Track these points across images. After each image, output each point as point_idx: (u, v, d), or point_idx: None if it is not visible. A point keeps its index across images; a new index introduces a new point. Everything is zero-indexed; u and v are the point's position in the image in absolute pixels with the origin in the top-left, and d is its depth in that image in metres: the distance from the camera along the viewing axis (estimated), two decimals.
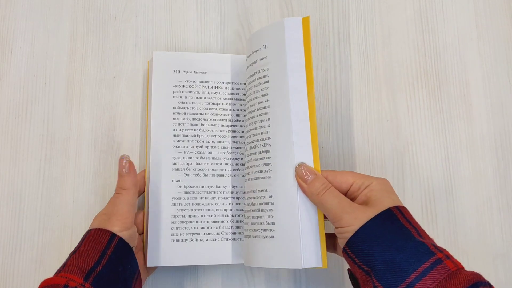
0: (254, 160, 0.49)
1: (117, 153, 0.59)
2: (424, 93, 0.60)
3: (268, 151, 0.48)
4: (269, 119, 0.48)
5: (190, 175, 0.54)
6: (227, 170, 0.54)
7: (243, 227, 0.54)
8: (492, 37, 0.62)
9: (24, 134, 0.59)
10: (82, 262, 0.44)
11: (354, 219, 0.41)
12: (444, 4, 0.63)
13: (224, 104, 0.56)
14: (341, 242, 0.42)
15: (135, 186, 0.50)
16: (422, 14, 0.62)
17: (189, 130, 0.55)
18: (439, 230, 0.57)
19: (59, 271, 0.44)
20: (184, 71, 0.57)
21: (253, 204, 0.49)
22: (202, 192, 0.54)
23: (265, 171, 0.48)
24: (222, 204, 0.54)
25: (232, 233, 0.53)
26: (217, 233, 0.53)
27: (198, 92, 0.56)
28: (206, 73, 0.57)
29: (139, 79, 0.61)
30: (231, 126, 0.56)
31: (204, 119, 0.55)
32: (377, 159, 0.59)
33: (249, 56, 0.53)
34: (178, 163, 0.54)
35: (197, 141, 0.55)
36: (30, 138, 0.59)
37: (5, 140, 0.59)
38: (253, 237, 0.48)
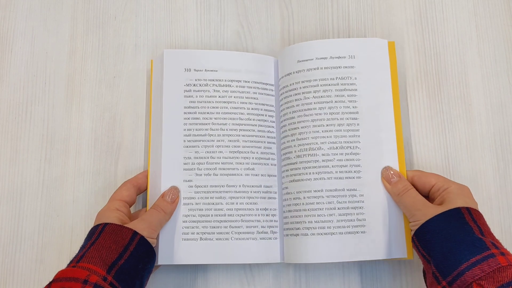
0: (340, 160, 0.53)
1: (117, 153, 0.59)
2: (424, 93, 0.60)
3: (358, 154, 0.53)
4: (358, 124, 0.54)
5: (201, 174, 0.54)
6: (238, 169, 0.54)
7: (255, 226, 0.54)
8: (492, 37, 0.62)
9: (24, 134, 0.59)
10: (105, 254, 0.44)
11: (423, 215, 0.47)
12: (444, 4, 0.63)
13: (235, 103, 0.56)
14: (411, 234, 0.48)
15: (171, 214, 0.52)
16: (422, 14, 0.62)
17: (200, 129, 0.55)
18: None
19: (76, 261, 0.43)
20: (195, 70, 0.56)
21: (339, 202, 0.52)
22: (213, 192, 0.54)
23: (355, 171, 0.53)
24: (233, 203, 0.54)
25: (242, 233, 0.53)
26: (227, 233, 0.53)
27: (209, 91, 0.56)
28: (217, 71, 0.57)
29: (139, 79, 0.61)
30: (242, 125, 0.55)
31: (215, 118, 0.55)
32: None
33: (323, 58, 0.55)
34: (189, 163, 0.54)
35: (208, 141, 0.55)
36: (30, 138, 0.59)
37: (5, 140, 0.59)
38: (340, 233, 0.52)
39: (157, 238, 0.52)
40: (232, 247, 0.53)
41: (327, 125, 0.54)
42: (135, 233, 0.46)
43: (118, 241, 0.45)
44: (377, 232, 0.52)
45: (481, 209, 0.57)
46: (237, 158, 0.55)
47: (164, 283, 0.55)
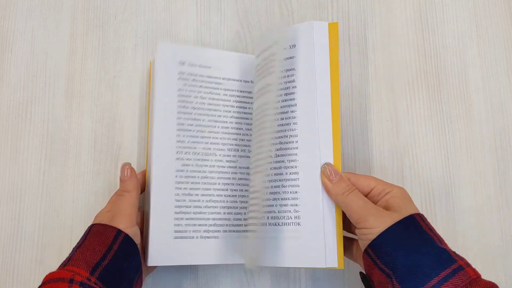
0: (277, 156, 0.49)
1: (117, 153, 0.59)
2: (424, 93, 0.60)
3: (296, 148, 0.49)
4: (295, 117, 0.49)
5: (193, 171, 0.54)
6: (227, 167, 0.54)
7: (246, 226, 0.53)
8: (492, 37, 0.62)
9: (24, 134, 0.59)
10: (89, 256, 0.44)
11: (380, 221, 0.42)
12: (444, 4, 0.63)
13: (229, 101, 0.56)
14: (363, 244, 0.43)
15: (136, 188, 0.51)
16: (422, 14, 0.62)
17: (191, 124, 0.54)
18: (439, 230, 0.57)
19: (63, 265, 0.44)
20: (189, 64, 0.56)
21: (273, 205, 0.49)
22: (203, 189, 0.54)
23: (291, 173, 0.49)
24: (220, 201, 0.54)
25: (232, 231, 0.53)
26: (218, 231, 0.53)
27: (201, 87, 0.55)
28: (210, 67, 0.56)
29: (139, 79, 0.61)
30: (235, 123, 0.55)
31: (203, 114, 0.55)
32: (376, 159, 0.59)
33: (265, 52, 0.52)
34: (180, 164, 0.54)
35: (200, 137, 0.54)
36: (30, 138, 0.59)
37: (5, 140, 0.59)
38: (275, 237, 0.48)
39: (148, 239, 0.51)
40: (223, 247, 0.53)
41: (271, 120, 0.50)
42: (119, 231, 0.46)
43: (102, 241, 0.45)
44: (311, 238, 0.47)
45: (481, 209, 0.57)
46: (228, 156, 0.55)
47: (164, 283, 0.55)
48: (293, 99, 0.50)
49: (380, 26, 0.62)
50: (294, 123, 0.49)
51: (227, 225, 0.53)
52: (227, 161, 0.55)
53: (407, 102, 0.60)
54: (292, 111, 0.49)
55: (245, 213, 0.54)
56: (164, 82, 0.54)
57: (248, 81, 0.57)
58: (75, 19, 0.63)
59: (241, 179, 0.55)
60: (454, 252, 0.41)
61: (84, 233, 0.47)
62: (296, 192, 0.48)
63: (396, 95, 0.60)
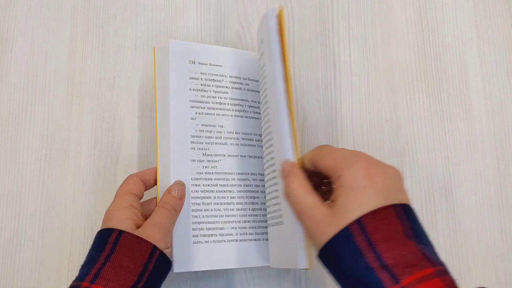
0: (267, 160, 0.48)
1: (117, 153, 0.59)
2: (424, 93, 0.60)
3: (272, 145, 0.46)
4: (268, 113, 0.47)
5: (209, 172, 0.52)
6: (246, 168, 0.54)
7: (262, 228, 0.53)
8: (492, 37, 0.62)
9: (24, 134, 0.59)
10: (123, 277, 0.39)
11: (319, 234, 0.36)
12: (444, 4, 0.63)
13: (239, 99, 0.55)
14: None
15: (179, 212, 0.48)
16: (422, 14, 0.62)
17: (206, 124, 0.53)
18: (439, 230, 0.57)
19: (91, 280, 0.39)
20: (199, 63, 0.54)
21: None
22: (223, 191, 0.52)
23: (273, 171, 0.46)
24: (242, 203, 0.53)
25: (250, 234, 0.52)
26: (234, 234, 0.52)
27: (213, 86, 0.54)
28: (221, 66, 0.55)
29: (139, 79, 0.61)
30: (248, 126, 0.55)
31: (223, 114, 0.54)
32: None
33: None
34: (196, 160, 0.52)
35: (215, 138, 0.53)
36: (30, 138, 0.59)
37: (5, 140, 0.59)
38: (269, 238, 0.50)
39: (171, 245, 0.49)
40: (243, 250, 0.52)
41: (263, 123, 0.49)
42: (154, 248, 0.42)
43: (136, 258, 0.41)
44: (290, 239, 0.43)
45: (481, 208, 0.57)
46: (244, 157, 0.54)
47: (164, 283, 0.55)
48: (266, 95, 0.47)
49: (380, 26, 0.62)
50: (269, 126, 0.47)
51: (244, 228, 0.52)
52: (243, 163, 0.54)
53: (407, 102, 0.60)
54: (267, 114, 0.47)
55: (263, 215, 0.53)
56: (175, 81, 0.53)
57: (258, 80, 0.57)
58: (75, 19, 0.63)
59: (255, 180, 0.54)
60: (385, 266, 0.32)
61: (109, 240, 0.42)
62: (277, 190, 0.45)
63: (396, 95, 0.60)
